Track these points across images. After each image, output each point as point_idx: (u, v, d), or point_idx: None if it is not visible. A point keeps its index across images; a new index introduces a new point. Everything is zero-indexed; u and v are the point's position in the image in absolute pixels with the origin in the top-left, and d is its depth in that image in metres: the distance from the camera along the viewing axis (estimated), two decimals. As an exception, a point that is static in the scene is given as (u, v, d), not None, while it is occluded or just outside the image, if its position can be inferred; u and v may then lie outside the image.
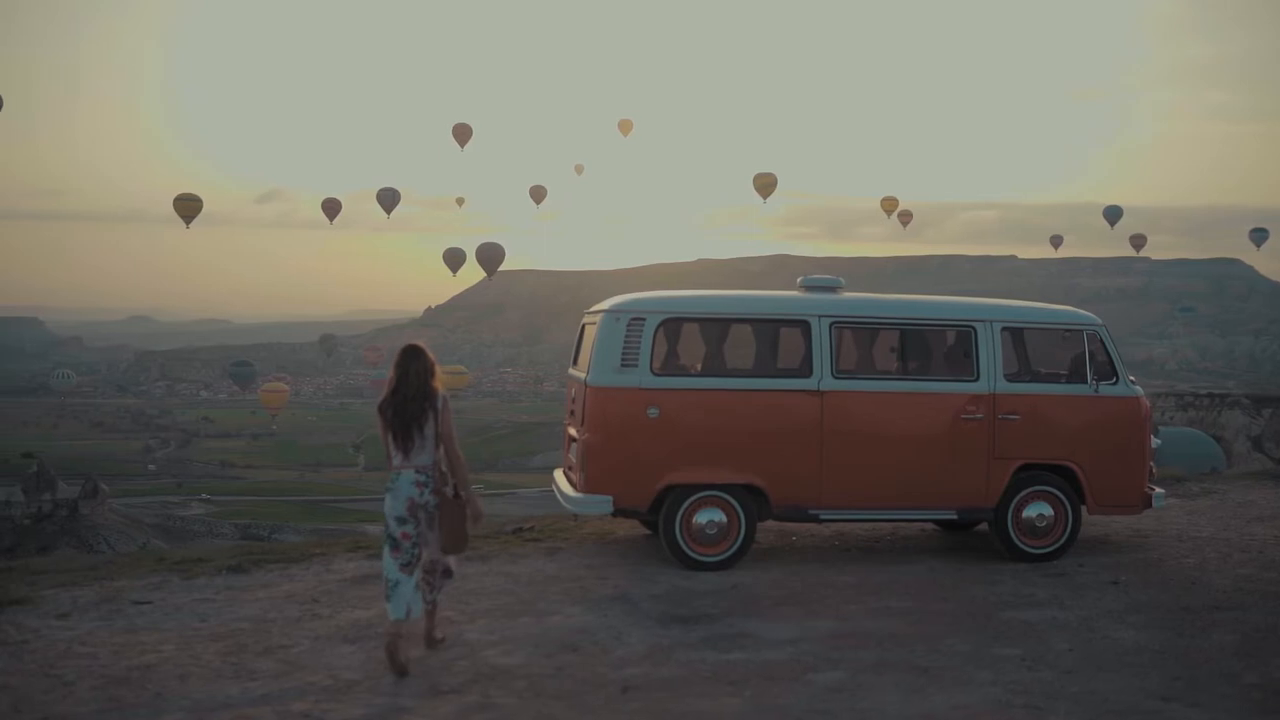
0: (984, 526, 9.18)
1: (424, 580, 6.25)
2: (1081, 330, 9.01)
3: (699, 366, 8.81)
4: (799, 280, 9.29)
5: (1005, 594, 7.89)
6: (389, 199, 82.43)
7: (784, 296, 9.08)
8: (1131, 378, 9.12)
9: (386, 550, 6.15)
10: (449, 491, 6.25)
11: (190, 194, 76.40)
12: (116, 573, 8.20)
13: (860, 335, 9.02)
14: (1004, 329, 8.89)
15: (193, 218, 76.03)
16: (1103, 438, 8.92)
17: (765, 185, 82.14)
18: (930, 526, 10.00)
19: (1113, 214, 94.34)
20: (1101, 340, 8.99)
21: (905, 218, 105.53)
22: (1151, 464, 9.26)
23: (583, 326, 9.30)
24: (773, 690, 5.83)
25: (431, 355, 6.36)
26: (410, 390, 6.21)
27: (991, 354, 8.77)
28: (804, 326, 8.63)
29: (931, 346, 9.13)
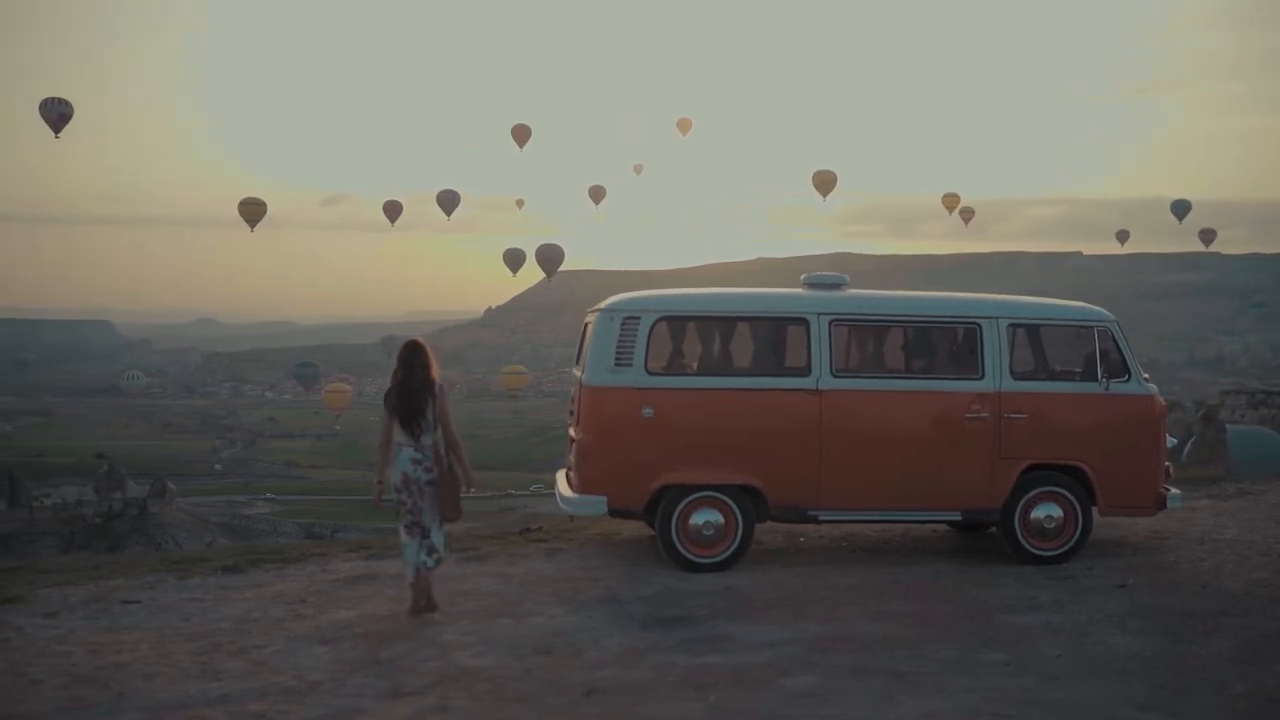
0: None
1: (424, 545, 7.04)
2: (1092, 327, 8.75)
3: (695, 365, 8.69)
4: (802, 277, 9.14)
5: (1006, 597, 7.69)
6: (449, 201, 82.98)
7: (782, 294, 8.94)
8: (1145, 375, 8.85)
9: (401, 524, 7.14)
10: (445, 467, 7.10)
11: (254, 198, 77.39)
12: (115, 572, 8.28)
13: (861, 333, 8.84)
14: (1010, 326, 8.67)
15: (257, 221, 77.07)
16: (1114, 437, 8.66)
17: (825, 183, 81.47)
18: (942, 527, 9.79)
19: (1180, 208, 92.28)
20: (1113, 337, 8.72)
21: (967, 215, 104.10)
22: (1168, 464, 8.99)
23: (584, 326, 9.23)
24: (738, 695, 5.71)
25: (430, 350, 7.22)
26: (415, 382, 7.08)
27: (997, 352, 8.55)
28: (802, 324, 8.48)
29: (935, 344, 8.93)
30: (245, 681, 5.80)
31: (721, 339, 8.72)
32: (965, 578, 8.21)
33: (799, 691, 5.77)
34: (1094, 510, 8.68)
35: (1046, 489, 8.58)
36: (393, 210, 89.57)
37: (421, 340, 7.30)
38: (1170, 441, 9.05)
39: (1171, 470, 9.11)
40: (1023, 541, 8.58)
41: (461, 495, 7.22)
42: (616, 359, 8.32)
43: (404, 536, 7.10)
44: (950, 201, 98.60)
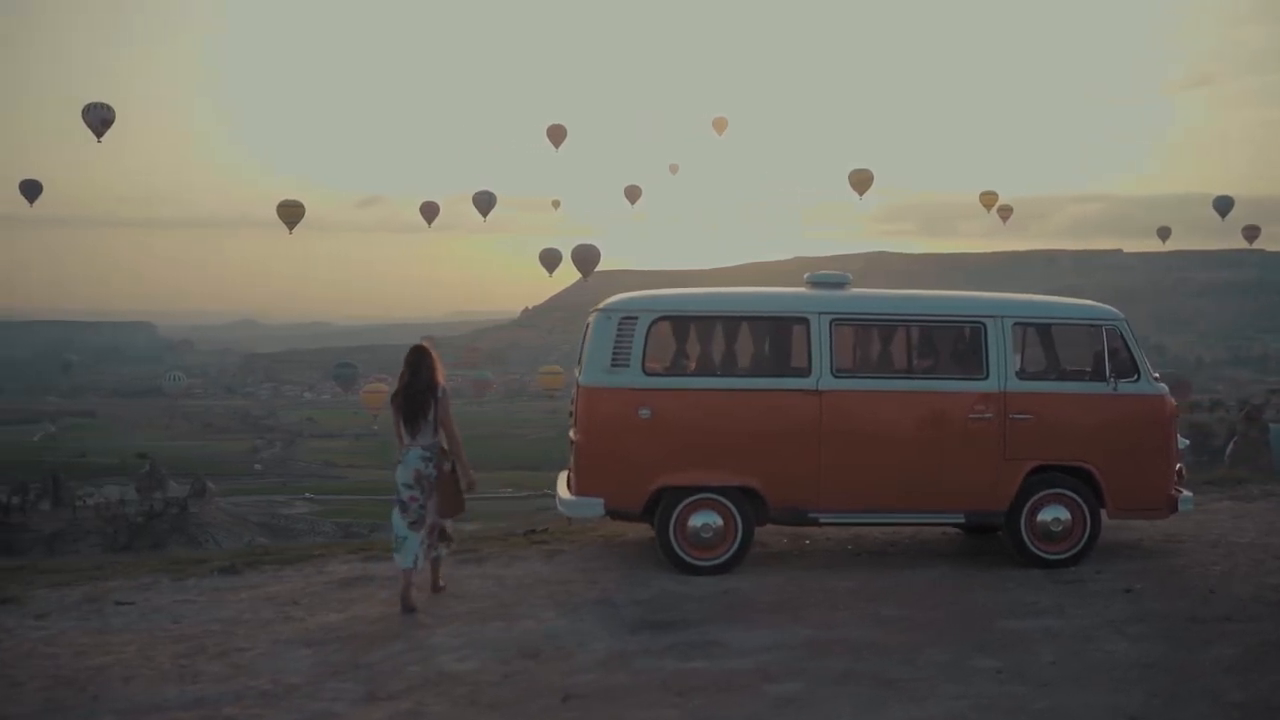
0: None
1: (425, 539, 7.39)
2: (1100, 325, 8.57)
3: (693, 366, 8.60)
4: (805, 276, 9.03)
5: (1008, 602, 7.53)
6: (485, 202, 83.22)
7: (782, 293, 8.83)
8: (1155, 375, 8.66)
9: (395, 511, 7.41)
10: (446, 467, 7.44)
11: (293, 200, 77.91)
12: (114, 573, 8.31)
13: (862, 333, 8.71)
14: (1016, 325, 8.52)
15: (295, 223, 77.61)
16: (1122, 438, 8.47)
17: (861, 182, 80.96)
18: (951, 529, 9.63)
19: (1223, 205, 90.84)
20: (1122, 336, 8.54)
21: (1005, 213, 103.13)
22: (1180, 466, 8.78)
23: (585, 326, 9.16)
24: (719, 701, 5.62)
25: (435, 354, 7.63)
26: (420, 384, 7.46)
27: (1002, 351, 8.39)
28: (802, 324, 8.36)
29: (938, 344, 8.78)
30: (223, 685, 5.77)
31: (720, 339, 8.62)
32: (968, 581, 8.07)
33: (783, 698, 5.67)
34: (1103, 513, 8.51)
35: (1053, 491, 8.42)
36: (429, 211, 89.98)
37: (427, 345, 7.69)
38: (1182, 442, 8.84)
39: (1184, 472, 8.91)
40: (1029, 545, 8.41)
41: (464, 495, 7.57)
42: (613, 359, 8.24)
43: (404, 530, 7.36)
44: (988, 199, 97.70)
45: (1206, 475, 13.69)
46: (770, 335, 8.59)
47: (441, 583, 7.70)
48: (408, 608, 7.16)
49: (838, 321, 8.39)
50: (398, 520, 7.39)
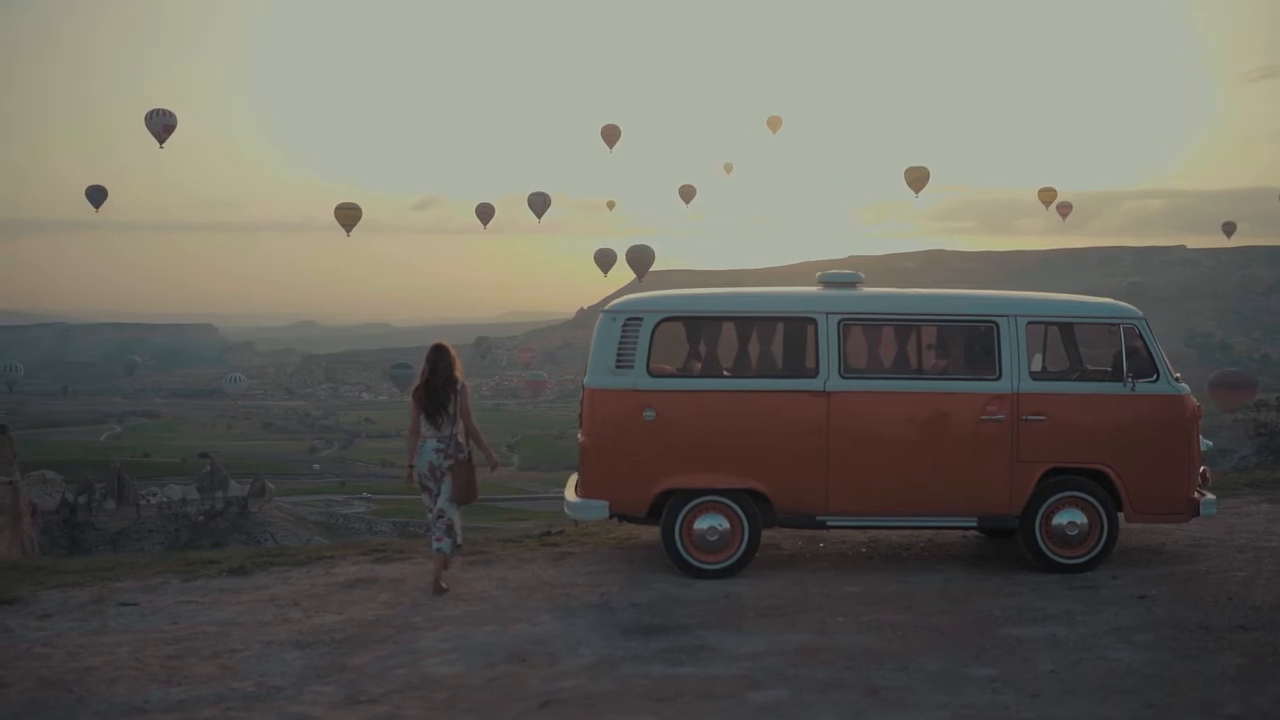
0: None
1: (434, 528, 7.87)
2: (1118, 324, 8.36)
3: (699, 367, 8.51)
4: (817, 276, 8.91)
5: (1016, 607, 7.36)
6: (540, 203, 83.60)
7: (789, 293, 8.71)
8: (1177, 375, 8.42)
9: (425, 497, 7.99)
10: (462, 457, 7.91)
11: (350, 203, 78.79)
12: (125, 574, 8.39)
13: (872, 333, 8.56)
14: (1030, 324, 8.33)
15: (353, 226, 78.43)
16: (1141, 440, 8.25)
17: (917, 179, 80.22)
18: (971, 532, 9.45)
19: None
20: (1140, 334, 8.32)
21: (1064, 209, 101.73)
22: (1204, 468, 8.54)
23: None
24: (699, 708, 5.54)
25: (454, 351, 8.07)
26: (439, 379, 7.90)
27: (1015, 351, 8.22)
28: (810, 324, 8.25)
29: (949, 344, 8.62)
30: (207, 687, 5.79)
31: (726, 340, 8.53)
32: (979, 586, 7.90)
33: (764, 705, 5.57)
34: (1121, 517, 8.30)
35: (1069, 494, 8.23)
36: (485, 213, 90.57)
37: (445, 343, 8.12)
38: (1205, 444, 8.59)
39: (1208, 474, 8.66)
40: (1044, 549, 8.23)
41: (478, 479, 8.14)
42: (618, 361, 8.18)
43: (432, 516, 7.95)
44: (1046, 195, 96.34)
45: (1252, 476, 13.35)
46: (777, 336, 8.49)
47: (444, 585, 7.82)
48: (437, 591, 7.72)
49: (846, 321, 8.26)
50: (428, 504, 8.01)
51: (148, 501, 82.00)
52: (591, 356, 8.33)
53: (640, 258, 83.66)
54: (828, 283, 8.73)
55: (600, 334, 8.30)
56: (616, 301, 8.54)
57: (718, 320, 8.53)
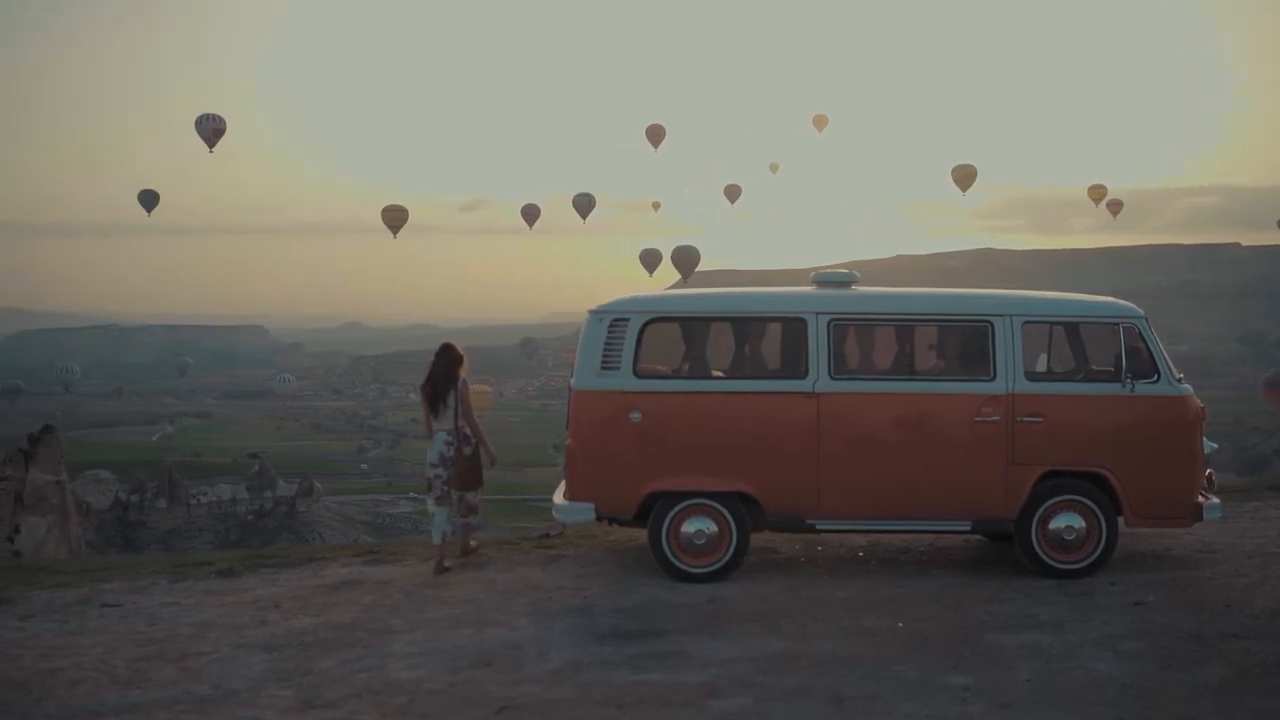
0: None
1: (453, 511, 8.62)
2: (1117, 323, 8.14)
3: (686, 368, 8.39)
4: (812, 276, 8.77)
5: (1006, 614, 7.17)
6: (585, 204, 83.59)
7: (778, 293, 8.58)
8: (1179, 375, 8.18)
9: (429, 499, 8.68)
10: (467, 449, 8.59)
11: (397, 205, 79.16)
12: (116, 575, 8.43)
13: (864, 333, 8.40)
14: (1026, 324, 8.13)
15: (399, 228, 78.83)
16: (1141, 442, 8.02)
17: (964, 177, 79.20)
18: (973, 537, 9.25)
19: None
20: (1140, 334, 8.09)
21: (1115, 207, 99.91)
22: (1209, 471, 8.30)
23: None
24: (659, 716, 5.43)
25: (460, 351, 8.73)
26: (439, 374, 8.61)
27: (1010, 351, 8.02)
28: (800, 324, 8.11)
29: (943, 344, 8.44)
30: (165, 690, 5.78)
31: (715, 341, 8.41)
32: (971, 592, 7.72)
33: (724, 713, 5.46)
34: (1120, 521, 8.08)
35: (1066, 498, 8.02)
36: (530, 214, 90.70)
37: (452, 342, 8.87)
38: (1209, 446, 8.34)
39: (1213, 477, 8.41)
40: (1041, 553, 8.03)
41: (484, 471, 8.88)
42: (604, 362, 8.09)
43: (433, 508, 8.58)
44: (1096, 193, 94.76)
45: (1272, 478, 13.01)
46: (766, 336, 8.37)
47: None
48: (438, 573, 8.30)
49: (836, 322, 8.11)
50: (429, 500, 8.67)
51: (198, 501, 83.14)
52: (578, 357, 8.25)
53: (686, 258, 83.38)
54: (821, 282, 8.59)
55: (586, 335, 8.22)
56: (604, 302, 8.44)
57: (706, 321, 8.41)
